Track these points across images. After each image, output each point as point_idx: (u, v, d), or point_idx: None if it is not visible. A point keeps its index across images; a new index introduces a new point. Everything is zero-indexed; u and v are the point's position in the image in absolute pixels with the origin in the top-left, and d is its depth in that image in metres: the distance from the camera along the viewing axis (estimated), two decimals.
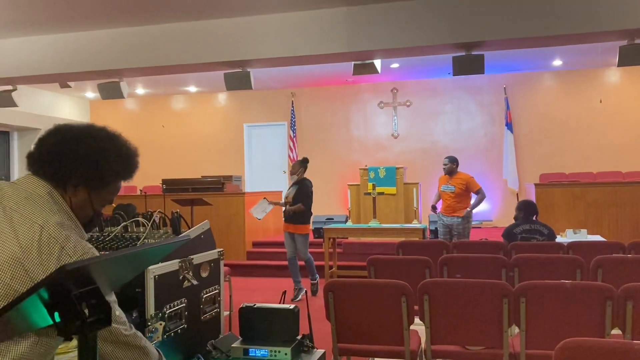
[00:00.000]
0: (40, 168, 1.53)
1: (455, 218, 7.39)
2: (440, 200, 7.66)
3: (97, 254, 1.46)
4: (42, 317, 1.08)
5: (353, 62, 7.36)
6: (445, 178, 7.55)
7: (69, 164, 1.52)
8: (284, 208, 7.28)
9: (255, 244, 9.52)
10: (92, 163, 1.54)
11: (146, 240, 2.04)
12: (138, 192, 10.79)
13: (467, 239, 7.23)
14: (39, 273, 1.35)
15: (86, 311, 1.05)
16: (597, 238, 6.56)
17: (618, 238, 7.42)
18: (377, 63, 7.42)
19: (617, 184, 8.91)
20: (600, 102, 10.87)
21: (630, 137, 10.85)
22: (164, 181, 9.88)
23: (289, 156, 12.31)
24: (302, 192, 7.14)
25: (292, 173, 7.38)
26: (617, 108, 10.96)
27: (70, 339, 1.20)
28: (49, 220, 1.43)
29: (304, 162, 7.33)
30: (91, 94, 12.57)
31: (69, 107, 12.97)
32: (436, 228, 9.04)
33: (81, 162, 1.53)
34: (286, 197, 7.29)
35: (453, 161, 7.51)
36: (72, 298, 1.01)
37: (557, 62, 10.64)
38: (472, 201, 7.48)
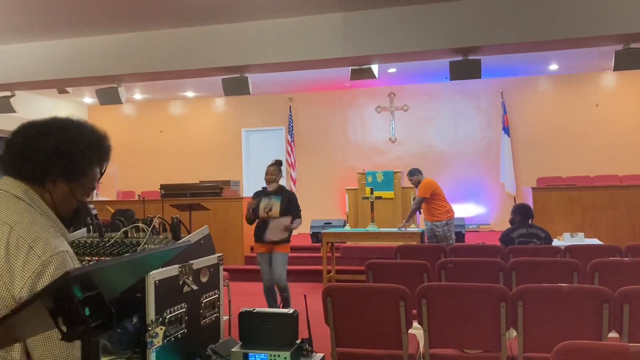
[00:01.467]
0: (14, 170, 1.51)
1: (435, 223, 7.57)
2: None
3: (66, 250, 1.45)
4: (45, 322, 1.09)
5: (350, 67, 7.39)
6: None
7: (42, 160, 1.50)
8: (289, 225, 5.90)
9: (253, 249, 9.52)
10: (64, 155, 1.52)
11: (146, 246, 2.05)
12: (136, 197, 10.80)
13: (452, 243, 7.40)
14: (3, 273, 1.35)
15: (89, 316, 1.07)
16: (594, 241, 6.59)
17: (615, 241, 7.45)
18: (375, 68, 7.45)
19: (613, 187, 8.95)
20: (597, 106, 10.92)
21: (626, 140, 10.89)
22: (162, 186, 9.89)
23: (287, 161, 12.33)
24: (293, 203, 5.95)
25: (270, 180, 5.93)
26: (614, 112, 11.01)
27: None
28: (21, 221, 1.42)
29: (280, 165, 6.17)
30: (89, 99, 12.58)
31: (67, 113, 12.81)
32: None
33: (54, 156, 1.51)
34: (267, 210, 5.88)
35: (413, 174, 7.92)
36: (76, 303, 1.03)
37: (554, 66, 10.69)
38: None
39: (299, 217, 5.92)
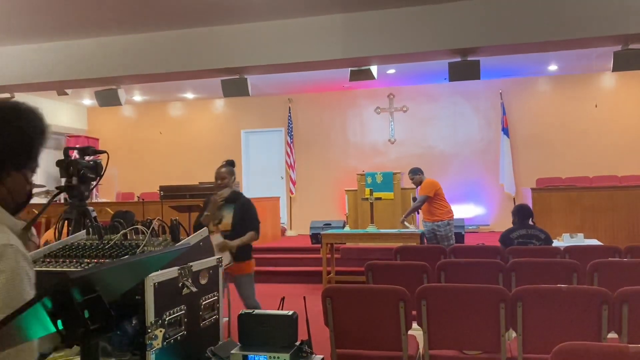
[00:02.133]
0: None
1: (437, 223, 7.55)
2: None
3: (9, 242, 1.37)
4: (43, 326, 1.09)
5: (349, 69, 7.40)
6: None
7: None
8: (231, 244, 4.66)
9: (252, 250, 9.51)
10: (17, 145, 1.49)
11: (146, 248, 2.06)
12: (136, 199, 10.81)
13: (453, 243, 7.42)
14: None
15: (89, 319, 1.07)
16: (594, 242, 6.59)
17: (614, 242, 7.46)
18: (374, 69, 7.46)
19: (613, 188, 8.95)
20: (596, 106, 10.93)
21: (625, 141, 10.90)
22: (162, 188, 9.89)
23: (287, 162, 12.34)
24: (248, 212, 4.79)
25: (221, 185, 4.84)
26: (612, 112, 11.02)
27: (72, 347, 1.22)
28: None
29: (233, 166, 5.08)
30: (88, 101, 12.58)
31: (67, 115, 12.97)
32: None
33: (7, 148, 1.48)
34: (216, 223, 4.75)
35: (415, 173, 7.83)
36: (76, 306, 1.03)
37: (553, 67, 10.70)
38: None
39: (256, 229, 4.81)
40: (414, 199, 7.94)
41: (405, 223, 7.69)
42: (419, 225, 9.59)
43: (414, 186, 8.06)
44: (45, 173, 12.73)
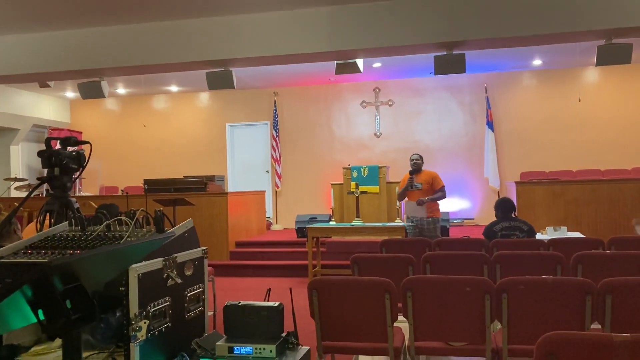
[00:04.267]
0: None
1: (428, 219, 7.01)
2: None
3: None
4: (24, 316, 1.07)
5: (335, 62, 7.38)
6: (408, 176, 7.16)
7: None
8: None
9: (238, 244, 9.50)
10: None
11: (129, 239, 2.03)
12: (120, 193, 10.71)
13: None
14: None
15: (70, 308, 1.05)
16: (577, 235, 6.66)
17: (597, 234, 7.55)
18: (360, 62, 7.45)
19: (596, 181, 9.05)
20: (579, 100, 11.02)
21: (608, 135, 11.02)
22: (146, 181, 9.81)
23: (272, 156, 12.30)
24: None
25: None
26: (596, 107, 11.13)
27: (54, 339, 1.19)
28: None
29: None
30: (71, 93, 12.43)
31: (49, 107, 12.81)
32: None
33: None
34: None
35: (420, 158, 7.25)
36: (57, 295, 1.01)
37: (537, 62, 10.77)
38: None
39: None
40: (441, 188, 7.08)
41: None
42: (404, 218, 9.63)
43: (414, 169, 7.17)
44: (26, 166, 12.58)
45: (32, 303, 1.02)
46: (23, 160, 12.54)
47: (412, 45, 6.79)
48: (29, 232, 4.39)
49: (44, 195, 9.67)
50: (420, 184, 6.98)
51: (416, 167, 7.13)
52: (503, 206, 5.60)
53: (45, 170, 2.65)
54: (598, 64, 6.82)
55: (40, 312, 1.03)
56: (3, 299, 0.95)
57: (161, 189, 9.53)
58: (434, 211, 7.07)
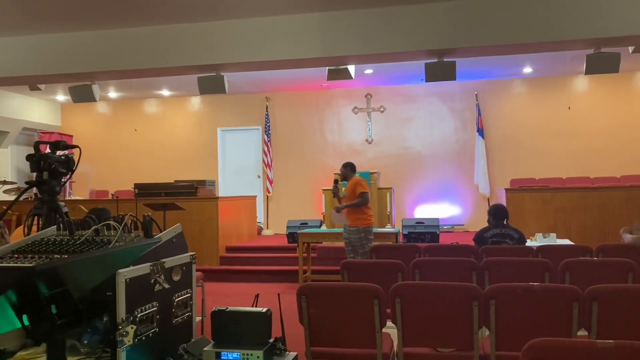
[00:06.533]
0: None
1: (351, 228, 6.72)
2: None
3: None
4: (9, 321, 1.06)
5: (327, 68, 7.40)
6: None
7: None
8: None
9: (228, 249, 9.48)
10: None
11: (117, 244, 2.02)
12: (110, 197, 10.66)
13: (367, 255, 6.26)
14: None
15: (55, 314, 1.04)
16: (566, 242, 6.70)
17: (585, 242, 7.58)
18: (351, 68, 7.48)
19: (585, 189, 9.11)
20: (569, 109, 11.11)
21: (598, 143, 11.11)
22: (136, 185, 9.78)
23: (264, 161, 12.30)
24: None
25: None
26: (585, 115, 11.22)
27: (39, 344, 1.18)
28: None
29: None
30: (62, 97, 12.38)
31: (39, 110, 12.74)
32: (408, 232, 9.14)
33: None
34: None
35: (346, 166, 7.03)
36: (42, 300, 1.01)
37: (527, 70, 10.85)
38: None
39: None
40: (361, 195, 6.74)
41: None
42: (394, 224, 9.65)
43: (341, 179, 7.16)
44: (16, 170, 12.50)
45: (16, 308, 1.01)
46: (12, 164, 12.46)
47: (403, 52, 6.83)
48: (17, 236, 4.36)
49: (33, 199, 9.61)
50: (345, 192, 6.85)
51: (342, 177, 7.02)
52: (496, 213, 5.62)
53: (34, 174, 2.64)
54: (587, 72, 6.89)
55: (24, 317, 1.03)
56: None
57: (152, 194, 9.50)
58: (357, 220, 6.69)
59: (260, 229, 11.77)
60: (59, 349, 1.05)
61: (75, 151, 2.72)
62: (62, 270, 1.04)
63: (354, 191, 6.74)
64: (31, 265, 1.47)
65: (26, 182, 2.71)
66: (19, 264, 1.92)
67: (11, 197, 10.42)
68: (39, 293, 0.99)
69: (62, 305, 1.05)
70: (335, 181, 7.14)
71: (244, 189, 12.23)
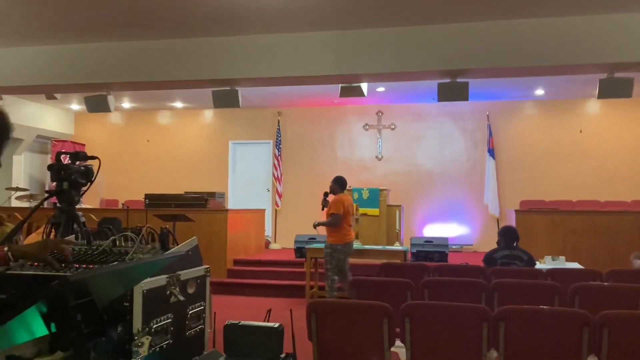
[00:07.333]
0: None
1: (325, 242, 6.99)
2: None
3: None
4: (29, 330, 1.09)
5: (340, 85, 7.46)
6: None
7: None
8: None
9: (236, 262, 9.49)
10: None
11: (135, 255, 2.05)
12: (120, 206, 10.72)
13: (328, 273, 6.79)
14: None
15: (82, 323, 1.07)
16: (575, 265, 6.66)
17: (595, 266, 7.53)
18: (364, 86, 7.53)
19: (595, 212, 9.07)
20: (580, 132, 11.10)
21: (608, 167, 11.07)
22: (147, 196, 9.83)
23: (274, 175, 12.34)
24: None
25: None
26: (597, 138, 11.20)
27: (55, 351, 1.21)
28: None
29: None
30: (77, 106, 12.52)
31: (54, 119, 12.88)
32: (417, 251, 9.11)
33: None
34: None
35: (335, 181, 7.15)
36: (69, 309, 1.04)
37: (540, 92, 10.87)
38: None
39: None
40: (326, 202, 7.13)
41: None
42: (403, 242, 9.63)
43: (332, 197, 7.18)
44: (28, 176, 12.61)
45: (44, 315, 1.04)
46: (25, 171, 12.58)
47: (416, 72, 6.87)
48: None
49: (52, 207, 9.67)
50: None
51: (330, 191, 7.19)
52: (507, 234, 5.62)
53: (47, 182, 2.69)
54: (600, 96, 6.90)
55: (52, 324, 1.06)
56: (21, 312, 0.98)
57: (162, 204, 9.54)
58: (329, 236, 6.95)
59: (267, 243, 11.78)
60: (84, 357, 1.08)
61: (95, 162, 2.76)
62: (92, 281, 1.07)
63: (329, 209, 7.00)
64: (65, 274, 1.51)
65: (46, 191, 2.76)
66: (38, 272, 1.96)
67: (23, 204, 10.50)
68: (67, 302, 1.02)
69: (87, 314, 1.08)
70: (325, 194, 7.33)
71: (253, 202, 12.26)
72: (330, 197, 7.19)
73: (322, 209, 7.23)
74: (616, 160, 11.08)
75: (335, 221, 6.86)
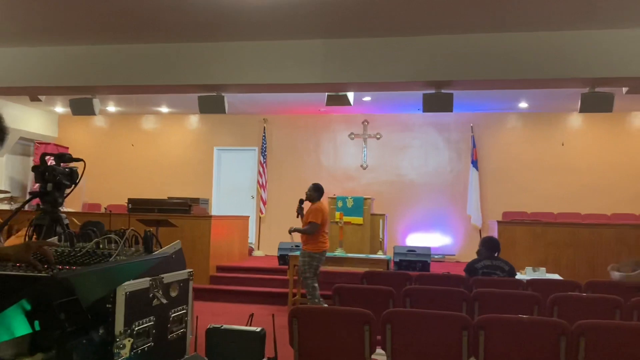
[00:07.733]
0: None
1: (301, 250, 7.04)
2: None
3: None
4: (8, 330, 1.09)
5: (327, 93, 7.50)
6: None
7: None
8: None
9: (219, 269, 9.45)
10: None
11: (118, 257, 2.06)
12: (102, 210, 10.65)
13: (307, 281, 6.82)
14: None
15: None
16: (555, 276, 6.74)
17: (574, 277, 7.61)
18: (350, 95, 7.58)
19: (575, 225, 9.20)
20: (563, 145, 11.26)
21: (589, 180, 11.24)
22: (130, 200, 9.78)
23: (258, 182, 12.34)
24: None
25: None
26: (578, 152, 11.37)
27: (35, 353, 1.21)
28: None
29: None
30: (61, 108, 12.42)
31: (37, 121, 12.76)
32: (399, 260, 9.15)
33: None
34: None
35: (313, 189, 7.12)
36: (54, 307, 1.04)
37: (523, 104, 11.02)
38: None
39: None
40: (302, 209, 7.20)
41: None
42: (386, 251, 9.67)
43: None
44: (9, 179, 12.47)
45: (28, 314, 1.05)
46: (7, 173, 12.44)
47: (402, 82, 6.94)
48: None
49: (33, 209, 9.58)
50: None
51: (306, 198, 7.15)
52: (488, 245, 5.68)
53: (29, 184, 2.68)
54: (582, 110, 7.03)
55: (36, 323, 1.06)
56: (2, 311, 0.98)
57: (145, 209, 9.49)
58: (305, 244, 6.95)
59: (251, 250, 11.76)
60: (67, 356, 1.09)
61: (79, 164, 2.76)
62: (78, 280, 1.08)
63: (307, 217, 6.98)
64: (48, 275, 1.51)
65: (30, 193, 2.75)
66: (21, 273, 1.96)
67: (3, 206, 10.37)
68: (52, 300, 1.03)
69: (71, 313, 1.09)
70: (301, 200, 7.29)
71: (237, 208, 12.23)
72: (306, 205, 7.18)
73: (297, 216, 7.22)
74: (597, 173, 11.25)
75: (313, 229, 6.87)
